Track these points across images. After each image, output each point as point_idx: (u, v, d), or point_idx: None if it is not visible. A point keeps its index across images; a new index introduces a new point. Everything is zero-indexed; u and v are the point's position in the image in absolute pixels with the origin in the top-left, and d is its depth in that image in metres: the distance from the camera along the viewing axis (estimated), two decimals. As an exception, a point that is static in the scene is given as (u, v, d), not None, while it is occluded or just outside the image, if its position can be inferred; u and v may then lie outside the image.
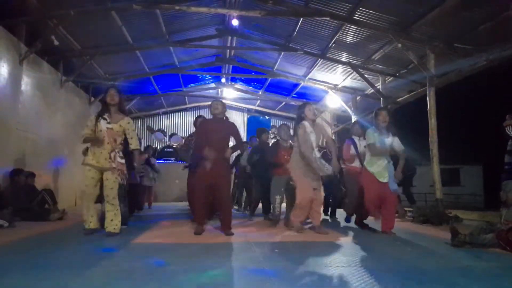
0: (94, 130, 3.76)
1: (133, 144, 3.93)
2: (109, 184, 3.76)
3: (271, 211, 5.21)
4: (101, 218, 4.40)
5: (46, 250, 3.03)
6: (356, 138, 5.13)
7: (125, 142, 3.99)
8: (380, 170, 4.00)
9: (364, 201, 4.15)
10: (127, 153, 4.06)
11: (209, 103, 4.40)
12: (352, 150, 5.08)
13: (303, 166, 4.13)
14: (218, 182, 3.96)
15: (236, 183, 7.90)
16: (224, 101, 4.79)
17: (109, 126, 3.77)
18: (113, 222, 3.80)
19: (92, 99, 9.68)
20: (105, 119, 3.78)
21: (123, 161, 3.84)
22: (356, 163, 5.02)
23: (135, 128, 4.06)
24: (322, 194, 4.40)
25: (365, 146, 4.38)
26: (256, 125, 10.60)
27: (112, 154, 3.74)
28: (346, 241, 3.72)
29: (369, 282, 2.11)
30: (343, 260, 2.79)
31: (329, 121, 12.04)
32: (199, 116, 5.34)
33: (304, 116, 4.20)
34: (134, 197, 6.10)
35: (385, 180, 3.96)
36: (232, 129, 4.20)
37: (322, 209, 4.62)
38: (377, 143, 4.00)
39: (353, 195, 4.98)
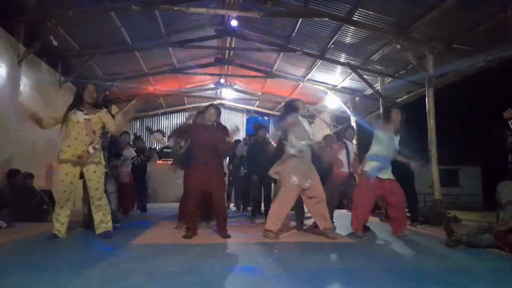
0: (66, 121, 3.57)
1: (112, 130, 3.84)
2: (93, 185, 3.62)
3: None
4: (86, 220, 4.30)
5: (44, 251, 3.02)
6: (348, 143, 4.86)
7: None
8: (384, 166, 3.86)
9: (356, 210, 3.99)
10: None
11: (206, 104, 4.23)
12: (343, 153, 4.75)
13: (293, 161, 3.75)
14: (212, 188, 3.84)
15: (231, 182, 7.91)
16: (223, 101, 4.72)
17: (87, 117, 3.63)
18: (104, 222, 3.71)
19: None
20: (81, 110, 3.64)
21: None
22: (345, 169, 4.72)
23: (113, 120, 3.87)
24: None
25: (355, 153, 4.20)
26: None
27: (91, 146, 3.60)
28: (344, 241, 3.72)
29: (368, 282, 2.11)
30: (342, 260, 2.79)
31: (328, 122, 12.04)
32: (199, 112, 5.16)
33: (296, 108, 3.95)
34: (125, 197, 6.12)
35: (389, 177, 3.84)
36: (221, 135, 3.98)
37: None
38: (385, 141, 3.89)
39: (332, 200, 4.66)
